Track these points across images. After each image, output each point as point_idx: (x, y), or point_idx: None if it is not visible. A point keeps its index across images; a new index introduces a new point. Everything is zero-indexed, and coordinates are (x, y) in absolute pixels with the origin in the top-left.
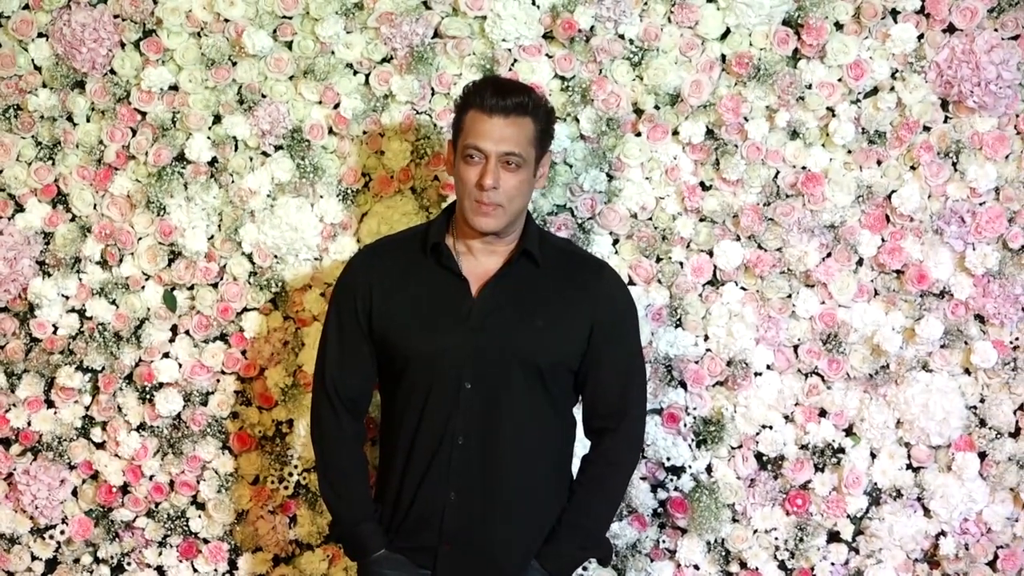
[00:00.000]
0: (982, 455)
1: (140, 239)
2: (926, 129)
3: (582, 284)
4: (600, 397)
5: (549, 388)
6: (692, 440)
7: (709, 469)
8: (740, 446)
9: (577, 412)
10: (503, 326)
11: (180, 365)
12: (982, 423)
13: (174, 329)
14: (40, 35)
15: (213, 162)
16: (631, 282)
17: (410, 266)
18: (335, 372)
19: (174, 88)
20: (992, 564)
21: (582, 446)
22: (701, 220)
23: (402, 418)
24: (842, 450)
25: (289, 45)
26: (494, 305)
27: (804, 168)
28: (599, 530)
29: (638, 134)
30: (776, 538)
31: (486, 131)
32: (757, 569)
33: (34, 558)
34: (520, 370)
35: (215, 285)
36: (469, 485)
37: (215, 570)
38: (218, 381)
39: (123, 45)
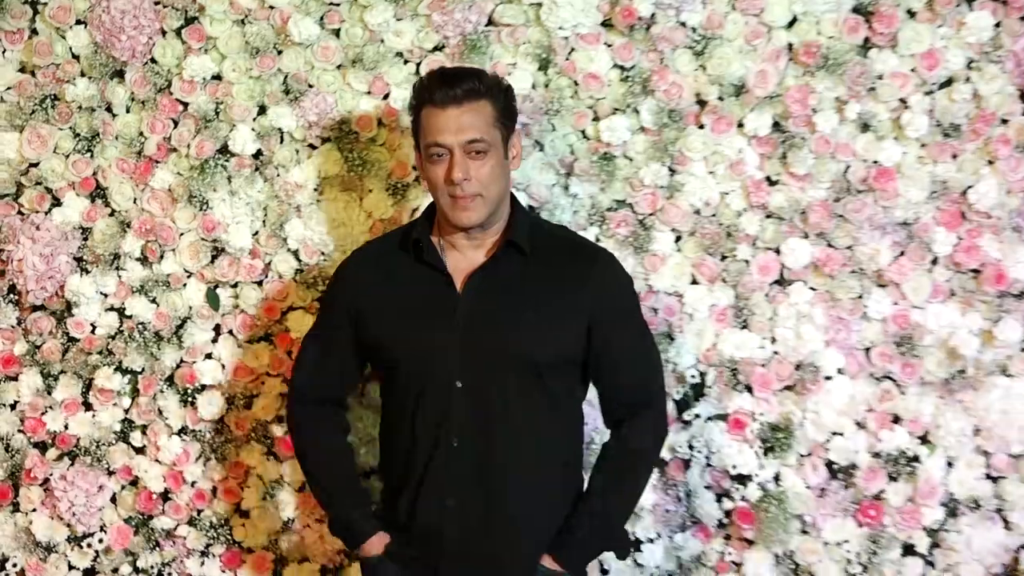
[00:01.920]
0: None
1: (182, 235)
2: (1003, 122)
3: (576, 272)
4: (617, 387)
5: (548, 384)
6: (759, 447)
7: (777, 478)
8: (809, 454)
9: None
10: (490, 321)
11: (223, 366)
12: None
13: (217, 329)
14: (78, 22)
15: (258, 155)
16: (694, 281)
17: (395, 267)
18: (307, 380)
19: (217, 78)
20: None
21: (601, 437)
22: (768, 216)
23: (398, 422)
24: (917, 459)
25: (337, 33)
26: (480, 299)
27: (875, 162)
28: (618, 520)
29: (701, 126)
30: (848, 551)
31: (442, 125)
32: None
33: (71, 567)
34: (512, 366)
35: (260, 283)
36: (467, 492)
37: None
38: (263, 383)
39: (164, 33)
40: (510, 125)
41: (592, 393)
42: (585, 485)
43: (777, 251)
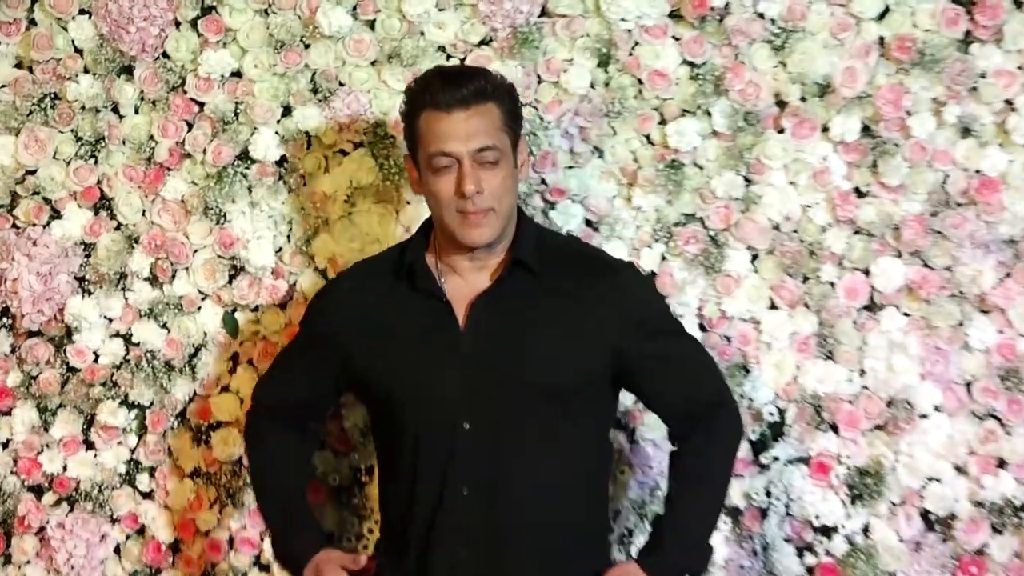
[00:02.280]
0: None
1: (196, 252)
2: None
3: (593, 288)
4: (674, 402)
5: (570, 414)
6: (845, 495)
7: (866, 530)
8: (903, 502)
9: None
10: (499, 353)
11: (242, 401)
12: None
13: (235, 358)
14: (81, 12)
15: (282, 162)
16: (772, 306)
17: (386, 295)
18: (268, 394)
19: (237, 75)
20: None
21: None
22: (856, 233)
23: (395, 468)
24: None
25: (371, 24)
26: (486, 329)
27: (978, 171)
28: (703, 531)
29: (781, 131)
30: None
31: (449, 131)
32: None
33: None
34: (526, 401)
35: (283, 306)
36: (483, 544)
37: None
38: None
39: (178, 24)
40: (517, 130)
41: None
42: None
43: (866, 272)
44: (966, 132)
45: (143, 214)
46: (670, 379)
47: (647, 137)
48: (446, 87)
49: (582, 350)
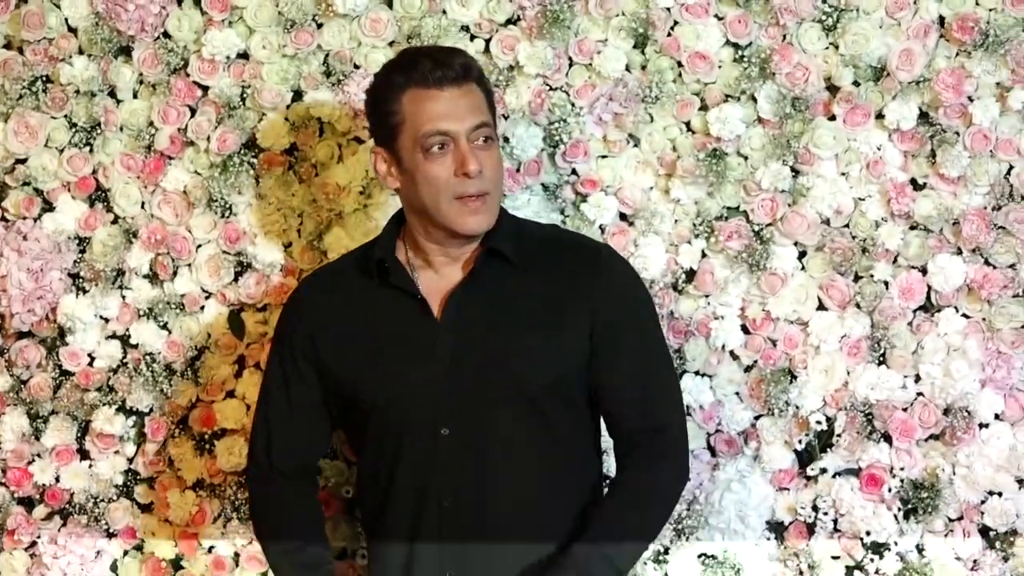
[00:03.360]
0: None
1: (199, 247)
2: None
3: (574, 275)
4: (620, 413)
5: (551, 420)
6: (899, 509)
7: (920, 547)
8: (960, 517)
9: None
10: (479, 350)
11: (248, 407)
12: None
13: (241, 361)
14: None
15: (292, 150)
16: (821, 307)
17: (357, 295)
18: (267, 449)
19: (244, 56)
20: None
21: None
22: (912, 228)
23: (375, 482)
24: None
25: (389, 3)
26: (464, 325)
27: None
28: (610, 567)
29: (832, 118)
30: None
31: (443, 109)
32: None
33: None
34: (511, 402)
35: None
36: (469, 558)
37: None
38: None
39: (180, 1)
40: (496, 117)
41: None
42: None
43: (923, 270)
44: None
45: (142, 206)
46: (630, 391)
47: (687, 124)
48: (435, 64)
49: (566, 343)
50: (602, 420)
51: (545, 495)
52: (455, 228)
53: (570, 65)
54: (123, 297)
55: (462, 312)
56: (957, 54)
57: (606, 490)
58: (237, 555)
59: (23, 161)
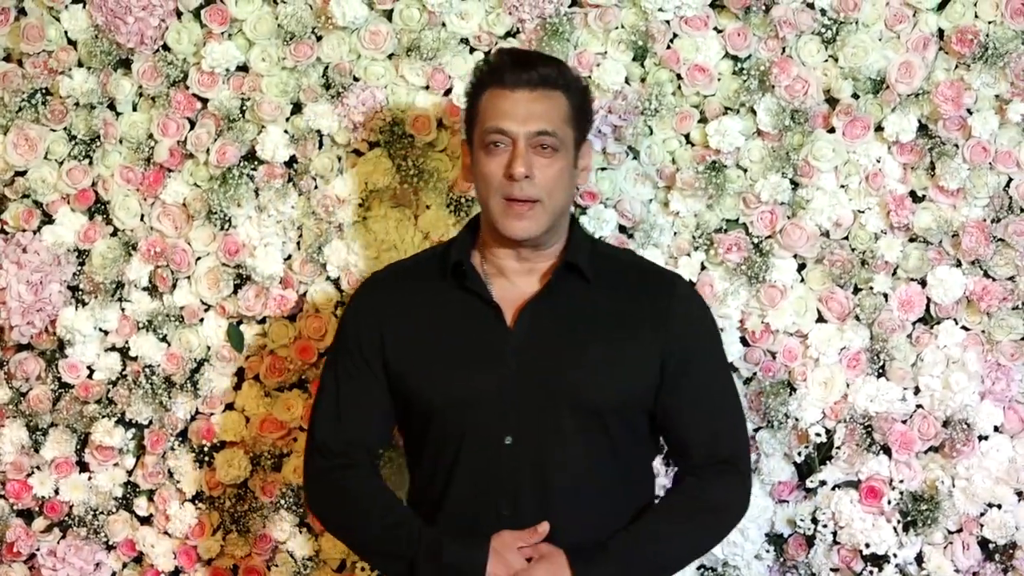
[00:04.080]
0: None
1: (198, 259)
2: None
3: (647, 302)
4: (690, 445)
5: (614, 437)
6: (898, 521)
7: (920, 559)
8: (960, 530)
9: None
10: (548, 362)
11: (247, 419)
12: None
13: (240, 374)
14: (75, 0)
15: (291, 162)
16: (820, 319)
17: (428, 295)
18: (331, 429)
19: (243, 69)
20: None
21: None
22: (911, 240)
23: (431, 486)
24: None
25: (388, 15)
26: (535, 336)
27: None
28: (655, 563)
29: (831, 130)
30: None
31: (509, 109)
32: None
33: None
34: (573, 416)
35: (292, 318)
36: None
37: None
38: (295, 440)
39: (179, 14)
40: (583, 129)
41: None
42: None
43: (922, 283)
44: None
45: (141, 219)
46: (698, 423)
47: (686, 137)
48: (515, 66)
49: (635, 366)
50: (662, 444)
51: (602, 512)
52: (499, 228)
53: None
54: (122, 309)
55: (534, 323)
56: (956, 67)
57: (660, 498)
58: (236, 568)
59: (23, 173)
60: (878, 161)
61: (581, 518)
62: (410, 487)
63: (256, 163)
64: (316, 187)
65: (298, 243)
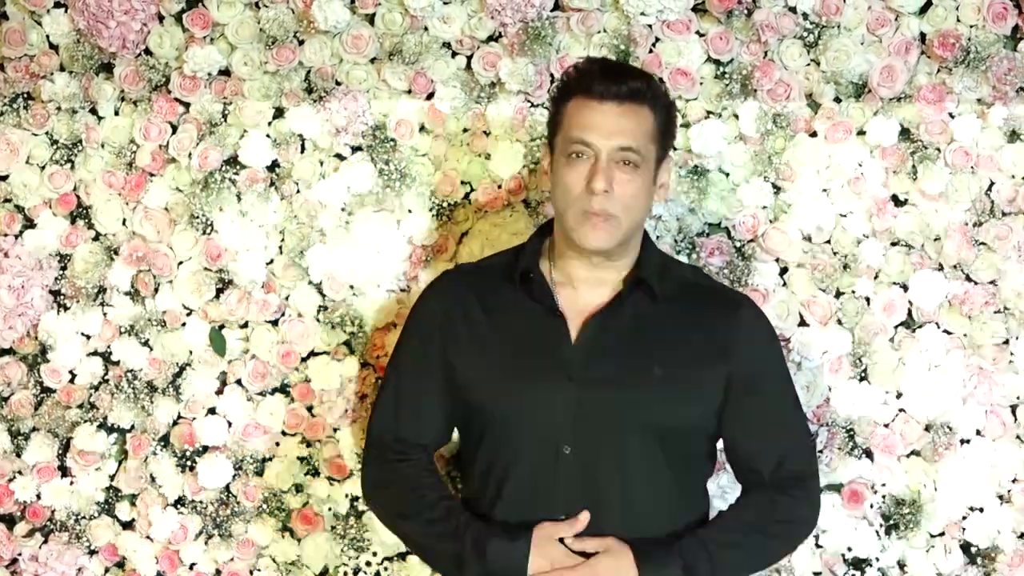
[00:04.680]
0: None
1: (181, 264)
2: None
3: (714, 323)
4: (758, 466)
5: (671, 455)
6: (880, 525)
7: (902, 563)
8: (942, 533)
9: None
10: (611, 375)
11: (230, 424)
12: None
13: (222, 378)
14: (57, 5)
15: (273, 167)
16: (803, 323)
17: (495, 300)
18: (388, 425)
19: (225, 73)
20: None
21: None
22: (893, 244)
23: (484, 491)
24: None
25: (371, 19)
26: (600, 349)
27: None
28: (721, 566)
29: (813, 134)
30: None
31: (596, 121)
32: None
33: None
34: (632, 432)
35: (275, 323)
36: None
37: None
38: (277, 445)
39: (162, 18)
40: (666, 147)
41: None
42: None
43: (904, 287)
44: (1013, 136)
45: (123, 223)
46: (767, 438)
47: None
48: (605, 77)
49: (698, 385)
50: (723, 463)
51: (655, 528)
52: (573, 237)
53: (551, 81)
54: (104, 314)
55: (599, 335)
56: (938, 71)
57: (729, 506)
58: (219, 572)
59: (4, 178)
60: (860, 165)
61: (634, 533)
62: (463, 485)
63: (238, 167)
64: (298, 192)
65: (280, 248)
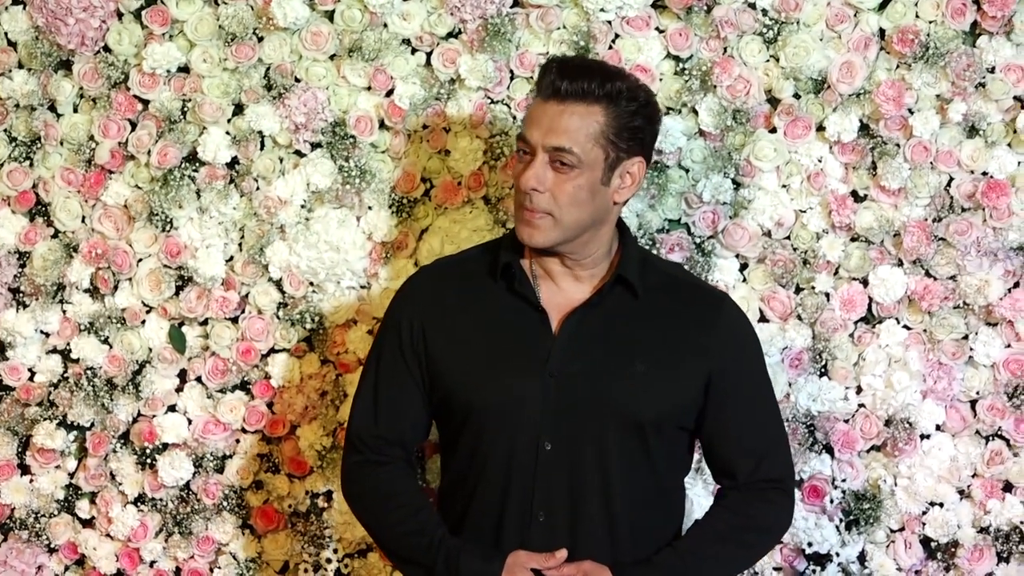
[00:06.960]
0: None
1: (140, 261)
2: None
3: (695, 320)
4: (736, 464)
5: (651, 451)
6: (840, 520)
7: (862, 558)
8: (902, 528)
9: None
10: (591, 370)
11: (190, 421)
12: None
13: (182, 375)
14: (15, 2)
15: (233, 164)
16: (763, 318)
17: (475, 293)
18: (366, 423)
19: (184, 70)
20: None
21: None
22: (853, 240)
23: (464, 487)
24: None
25: (330, 16)
26: (580, 344)
27: (985, 174)
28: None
29: (773, 130)
30: None
31: (535, 118)
32: None
33: None
34: (614, 426)
35: (235, 320)
36: None
37: None
38: (237, 442)
39: (120, 15)
40: (628, 148)
41: None
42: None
43: (864, 282)
44: (972, 131)
45: (82, 220)
46: (743, 443)
47: None
48: (558, 75)
49: (678, 382)
50: (699, 461)
51: (636, 524)
52: (516, 233)
53: (512, 78)
54: (64, 311)
55: (580, 331)
56: (897, 66)
57: (704, 514)
58: (179, 570)
59: None
60: (820, 161)
61: (613, 529)
62: (442, 480)
63: (198, 164)
64: (258, 188)
65: (240, 244)
